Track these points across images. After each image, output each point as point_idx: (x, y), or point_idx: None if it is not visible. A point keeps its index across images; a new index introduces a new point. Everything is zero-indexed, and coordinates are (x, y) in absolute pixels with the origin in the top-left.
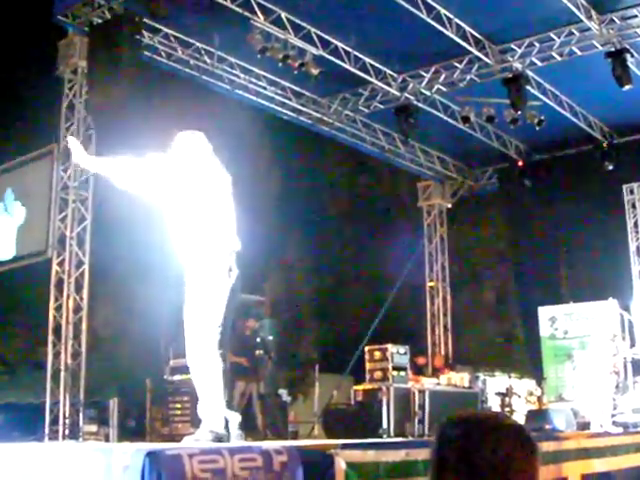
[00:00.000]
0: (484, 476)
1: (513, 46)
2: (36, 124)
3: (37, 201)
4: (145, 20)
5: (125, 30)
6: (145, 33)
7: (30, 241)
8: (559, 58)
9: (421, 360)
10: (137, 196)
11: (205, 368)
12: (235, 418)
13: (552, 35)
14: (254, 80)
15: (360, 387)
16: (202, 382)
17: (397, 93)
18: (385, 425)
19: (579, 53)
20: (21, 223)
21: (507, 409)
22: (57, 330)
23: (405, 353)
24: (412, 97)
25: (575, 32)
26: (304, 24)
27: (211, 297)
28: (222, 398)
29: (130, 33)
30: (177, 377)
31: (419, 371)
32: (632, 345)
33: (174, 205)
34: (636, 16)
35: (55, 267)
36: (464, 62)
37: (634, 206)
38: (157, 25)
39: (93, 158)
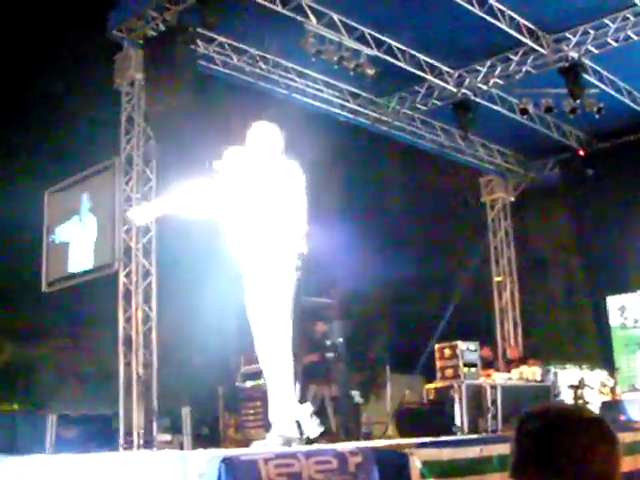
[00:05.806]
0: (565, 469)
1: (568, 35)
2: (96, 139)
3: (102, 214)
4: (199, 30)
5: (179, 41)
6: (200, 43)
7: (98, 254)
8: (615, 44)
9: (485, 352)
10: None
11: (275, 371)
12: (307, 410)
13: (606, 21)
14: (310, 84)
15: (432, 386)
16: (273, 385)
17: (454, 89)
18: (458, 422)
19: (635, 38)
20: (96, 235)
21: (580, 401)
22: (127, 341)
23: (475, 350)
24: (469, 92)
25: (630, 17)
26: (357, 25)
27: (277, 298)
28: (293, 400)
29: (184, 44)
30: (249, 383)
31: (488, 364)
32: None
33: (242, 202)
34: None
35: (122, 279)
36: (519, 54)
37: None
38: (211, 34)
39: (154, 205)
